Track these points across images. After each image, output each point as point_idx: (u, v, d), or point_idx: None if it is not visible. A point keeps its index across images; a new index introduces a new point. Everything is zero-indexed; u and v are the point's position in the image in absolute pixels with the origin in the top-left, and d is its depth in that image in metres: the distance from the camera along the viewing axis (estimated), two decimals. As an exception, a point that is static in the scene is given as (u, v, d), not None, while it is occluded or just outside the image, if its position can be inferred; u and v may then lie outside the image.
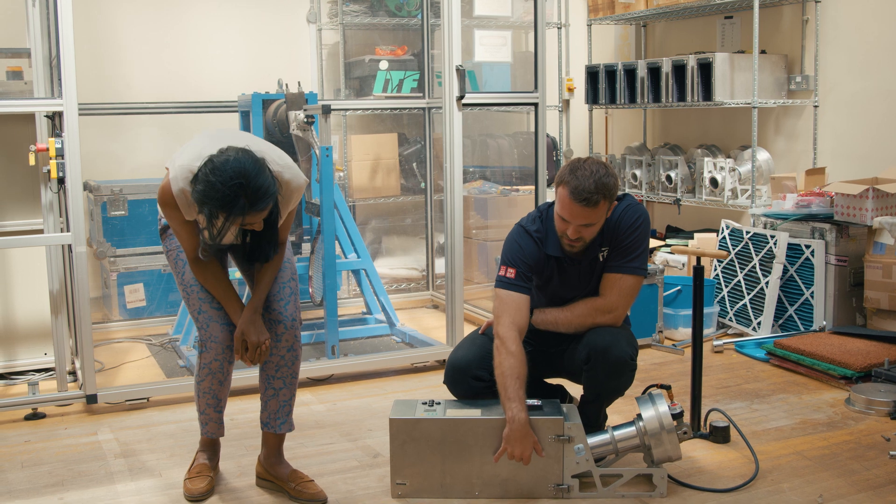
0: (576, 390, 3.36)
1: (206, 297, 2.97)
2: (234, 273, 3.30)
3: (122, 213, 5.27)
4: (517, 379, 2.93)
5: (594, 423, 3.21)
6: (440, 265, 6.12)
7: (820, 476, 3.19)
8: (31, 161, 3.83)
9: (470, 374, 3.12)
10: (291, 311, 3.01)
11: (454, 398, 3.19)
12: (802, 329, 4.93)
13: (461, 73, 4.25)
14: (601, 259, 3.16)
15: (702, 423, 3.56)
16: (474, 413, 3.01)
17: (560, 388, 3.51)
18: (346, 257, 4.98)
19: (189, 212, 2.82)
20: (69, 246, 3.90)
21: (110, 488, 3.14)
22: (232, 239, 2.88)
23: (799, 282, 4.98)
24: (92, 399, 3.87)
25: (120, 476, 3.24)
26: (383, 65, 5.88)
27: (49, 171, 3.75)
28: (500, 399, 2.96)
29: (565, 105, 7.05)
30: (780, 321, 5.07)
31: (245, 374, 3.89)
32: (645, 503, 2.98)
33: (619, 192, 3.15)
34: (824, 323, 4.82)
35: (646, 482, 3.06)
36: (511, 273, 3.10)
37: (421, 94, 6.00)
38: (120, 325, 5.30)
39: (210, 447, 3.21)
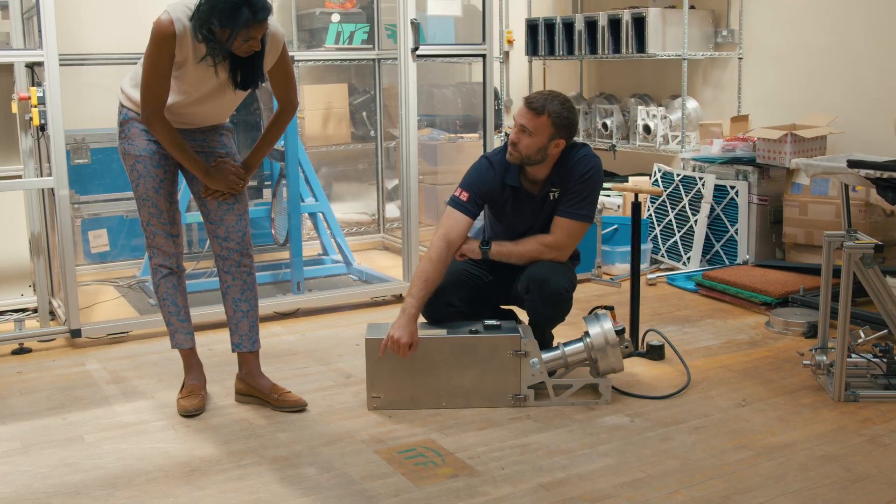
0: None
1: (156, 211, 3.32)
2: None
3: (85, 160, 5.43)
4: (424, 281, 3.33)
5: (541, 342, 3.56)
6: (391, 209, 6.42)
7: (743, 384, 3.62)
8: (14, 109, 4.01)
9: (443, 300, 3.46)
10: (248, 241, 3.41)
11: (424, 321, 3.51)
12: (728, 263, 5.37)
13: (415, 26, 4.53)
14: (552, 198, 3.50)
15: (640, 343, 3.97)
16: (440, 333, 3.36)
17: (510, 311, 3.85)
18: (304, 201, 5.24)
19: (181, 45, 3.00)
20: (48, 190, 4.11)
21: (109, 409, 3.42)
22: (225, 76, 3.09)
23: (725, 220, 5.42)
24: (76, 333, 4.11)
25: (115, 399, 3.52)
26: (335, 17, 6.11)
27: (31, 119, 3.95)
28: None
29: (506, 56, 7.34)
30: (708, 256, 5.51)
31: (218, 310, 4.13)
32: (592, 409, 3.37)
33: (579, 142, 3.50)
34: (747, 257, 5.27)
35: (592, 391, 3.45)
36: (464, 196, 3.46)
37: (371, 46, 6.25)
38: (86, 269, 5.47)
39: (195, 369, 3.50)
